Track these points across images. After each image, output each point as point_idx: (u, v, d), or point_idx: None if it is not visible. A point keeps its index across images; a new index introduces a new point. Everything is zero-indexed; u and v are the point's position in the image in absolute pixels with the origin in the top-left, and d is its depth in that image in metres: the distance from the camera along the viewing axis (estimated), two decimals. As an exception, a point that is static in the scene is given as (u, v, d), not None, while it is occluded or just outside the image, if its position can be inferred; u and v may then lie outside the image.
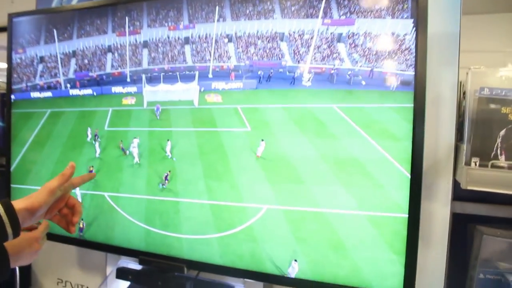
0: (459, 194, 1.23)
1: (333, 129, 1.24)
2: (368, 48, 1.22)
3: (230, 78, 1.40)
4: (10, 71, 1.69)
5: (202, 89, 1.44)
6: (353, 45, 1.25)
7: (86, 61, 1.64)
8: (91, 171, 1.54)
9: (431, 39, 1.09)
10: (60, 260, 1.84)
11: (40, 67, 1.72)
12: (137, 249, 1.48)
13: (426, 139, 1.10)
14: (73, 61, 1.66)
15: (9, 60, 1.70)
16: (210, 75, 1.44)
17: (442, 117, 1.22)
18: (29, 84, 1.73)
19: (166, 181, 1.45)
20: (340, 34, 1.26)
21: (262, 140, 1.33)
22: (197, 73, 1.44)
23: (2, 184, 1.71)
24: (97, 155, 1.58)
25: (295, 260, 1.26)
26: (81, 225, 1.56)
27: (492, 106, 1.08)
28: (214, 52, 1.42)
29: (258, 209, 1.32)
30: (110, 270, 1.67)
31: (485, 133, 1.08)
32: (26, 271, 1.90)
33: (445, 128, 1.22)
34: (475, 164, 1.06)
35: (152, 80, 1.51)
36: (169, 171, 1.45)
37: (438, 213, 1.23)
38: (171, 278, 1.39)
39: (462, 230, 1.28)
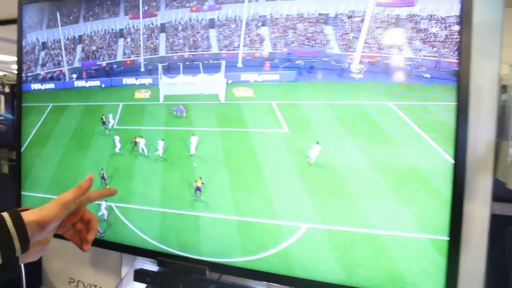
0: (494, 194, 1.19)
1: (389, 131, 1.12)
2: (432, 34, 1.09)
3: (264, 68, 1.29)
4: (20, 61, 1.63)
5: (230, 82, 1.33)
6: (414, 30, 1.12)
7: (93, 47, 1.54)
8: (102, 176, 1.44)
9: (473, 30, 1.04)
10: (72, 259, 1.81)
11: (42, 54, 1.63)
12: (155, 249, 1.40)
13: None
14: (79, 47, 1.57)
15: (19, 49, 1.62)
16: (240, 65, 1.33)
17: (483, 113, 1.16)
18: (29, 74, 1.64)
19: (198, 192, 1.32)
20: (398, 16, 1.13)
21: (317, 143, 1.19)
22: (223, 62, 1.34)
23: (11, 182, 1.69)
24: (117, 150, 1.47)
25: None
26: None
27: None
28: (245, 38, 1.31)
29: (296, 228, 1.19)
30: (126, 270, 1.64)
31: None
32: (37, 270, 1.88)
33: (485, 124, 1.16)
34: (520, 163, 0.99)
35: (170, 70, 1.41)
36: (202, 181, 1.31)
37: (477, 214, 1.18)
38: (192, 281, 1.34)
39: (499, 232, 1.25)
